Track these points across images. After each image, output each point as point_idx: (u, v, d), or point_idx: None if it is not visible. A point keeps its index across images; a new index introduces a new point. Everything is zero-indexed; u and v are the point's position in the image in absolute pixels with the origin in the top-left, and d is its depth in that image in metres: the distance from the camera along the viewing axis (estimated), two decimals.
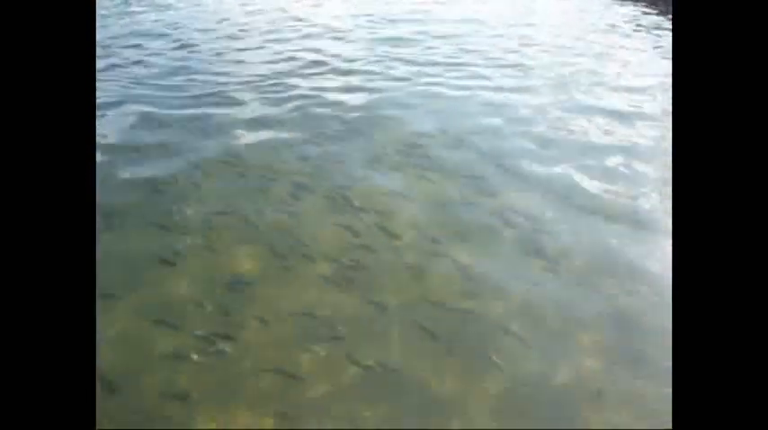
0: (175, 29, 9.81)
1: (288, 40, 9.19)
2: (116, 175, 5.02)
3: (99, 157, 5.26)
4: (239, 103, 6.64)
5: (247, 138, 5.74)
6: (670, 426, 2.85)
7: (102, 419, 2.79)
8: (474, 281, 3.78)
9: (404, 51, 8.63)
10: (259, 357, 3.17)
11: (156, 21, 10.38)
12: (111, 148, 5.49)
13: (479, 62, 8.24)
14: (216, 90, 7.01)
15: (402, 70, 7.83)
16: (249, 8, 11.27)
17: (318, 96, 6.88)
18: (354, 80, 7.46)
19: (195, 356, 3.15)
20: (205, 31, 9.78)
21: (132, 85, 7.21)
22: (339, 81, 7.44)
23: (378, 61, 8.20)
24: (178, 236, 4.15)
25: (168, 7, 11.31)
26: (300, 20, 10.56)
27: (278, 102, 6.65)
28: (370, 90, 7.11)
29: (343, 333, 3.34)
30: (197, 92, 6.94)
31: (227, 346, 3.22)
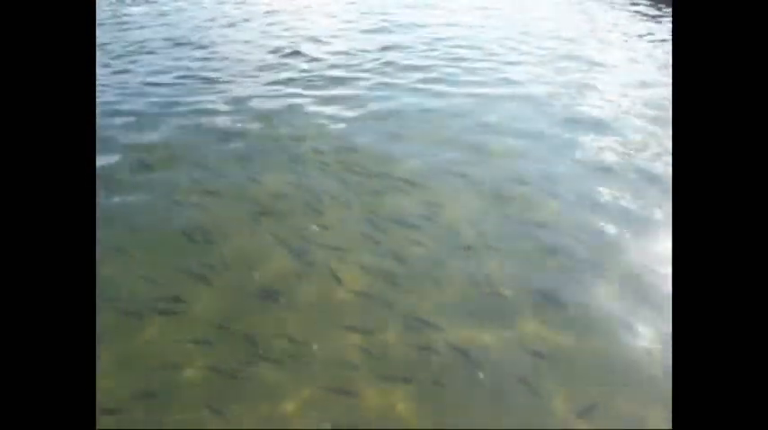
0: (168, 29, 9.79)
1: (282, 41, 9.17)
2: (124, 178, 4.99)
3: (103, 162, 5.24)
4: (241, 109, 6.57)
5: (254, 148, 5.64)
6: (670, 426, 2.87)
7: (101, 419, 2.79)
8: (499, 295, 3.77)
9: (399, 55, 8.58)
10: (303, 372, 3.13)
11: (149, 18, 10.40)
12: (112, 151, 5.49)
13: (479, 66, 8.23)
14: (212, 98, 6.92)
15: (398, 75, 7.78)
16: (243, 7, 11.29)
17: (318, 99, 6.82)
18: (355, 82, 7.43)
19: (236, 373, 3.11)
20: (197, 28, 9.79)
21: (127, 87, 7.18)
22: (340, 88, 7.41)
23: (372, 65, 8.17)
24: (204, 246, 4.08)
25: (162, 5, 11.33)
26: (294, 19, 10.56)
27: (286, 108, 6.54)
28: (371, 92, 7.08)
29: (381, 346, 3.30)
30: (190, 99, 6.83)
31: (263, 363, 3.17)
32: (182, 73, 7.66)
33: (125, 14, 10.73)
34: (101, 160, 5.21)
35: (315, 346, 3.25)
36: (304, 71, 7.81)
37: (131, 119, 6.20)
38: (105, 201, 4.58)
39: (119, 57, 8.32)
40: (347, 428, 2.82)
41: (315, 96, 6.88)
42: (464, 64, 8.10)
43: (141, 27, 9.88)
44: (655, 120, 6.29)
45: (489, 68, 7.92)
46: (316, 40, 9.23)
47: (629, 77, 7.69)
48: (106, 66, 7.89)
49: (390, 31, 9.80)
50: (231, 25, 10.08)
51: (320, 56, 8.35)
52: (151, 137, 5.77)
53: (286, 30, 9.89)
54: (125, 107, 6.51)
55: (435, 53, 8.60)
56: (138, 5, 11.36)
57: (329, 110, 6.45)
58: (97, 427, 2.69)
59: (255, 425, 2.82)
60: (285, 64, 8.09)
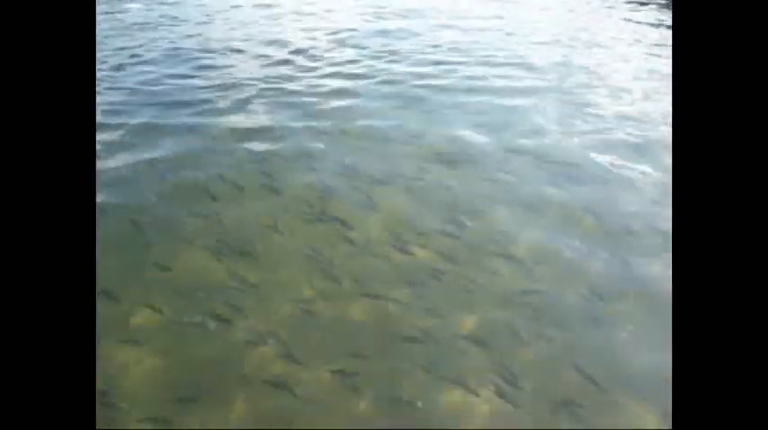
0: (163, 28, 9.74)
1: (280, 41, 9.12)
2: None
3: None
4: (243, 112, 6.45)
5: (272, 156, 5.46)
6: (670, 426, 2.87)
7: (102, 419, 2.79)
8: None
9: (398, 55, 8.50)
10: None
11: (146, 15, 10.37)
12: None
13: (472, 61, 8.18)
14: (214, 96, 6.84)
15: (397, 72, 7.71)
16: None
17: (318, 102, 6.74)
18: (354, 82, 7.38)
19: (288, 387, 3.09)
20: (197, 23, 9.73)
21: (119, 90, 7.07)
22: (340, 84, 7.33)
23: (374, 61, 8.11)
24: (235, 260, 4.00)
25: (161, 2, 11.31)
26: (292, 16, 10.53)
27: (289, 116, 6.40)
28: (370, 93, 7.03)
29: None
30: (190, 103, 6.69)
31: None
32: (177, 77, 7.50)
33: (119, 12, 10.68)
34: (104, 165, 5.11)
35: (368, 359, 3.23)
36: (302, 69, 7.71)
37: (124, 130, 5.98)
38: (118, 212, 4.46)
39: (112, 56, 8.26)
40: (349, 428, 2.82)
41: (317, 102, 6.75)
42: (462, 68, 8.02)
43: (137, 24, 9.84)
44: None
45: (493, 73, 7.85)
46: (314, 44, 9.12)
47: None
48: (99, 69, 7.84)
49: (390, 32, 9.75)
50: (228, 25, 10.03)
51: (317, 64, 8.14)
52: (153, 145, 5.61)
53: (283, 28, 9.85)
54: (115, 119, 6.30)
55: (437, 50, 8.55)
56: (135, 2, 11.33)
57: (335, 119, 6.28)
58: (97, 427, 2.69)
59: None
60: (284, 67, 7.97)
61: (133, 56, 8.30)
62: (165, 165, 5.21)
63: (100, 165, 5.11)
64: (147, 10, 10.84)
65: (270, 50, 8.66)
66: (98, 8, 10.75)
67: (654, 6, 11.88)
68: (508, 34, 9.77)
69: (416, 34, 9.65)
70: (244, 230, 4.32)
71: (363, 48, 8.88)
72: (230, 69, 7.86)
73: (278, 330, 3.40)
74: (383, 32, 9.73)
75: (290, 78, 7.53)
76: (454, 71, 7.89)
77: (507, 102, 6.87)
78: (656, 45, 9.33)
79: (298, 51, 8.63)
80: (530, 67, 8.09)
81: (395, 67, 8.02)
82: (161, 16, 10.42)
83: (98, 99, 6.66)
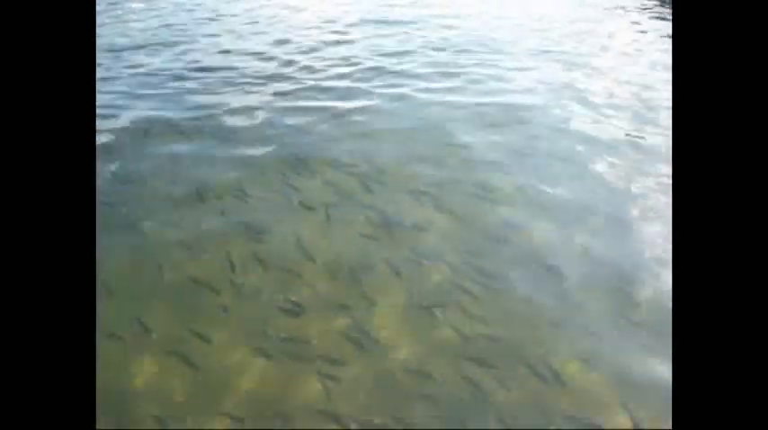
0: (164, 25, 9.73)
1: (279, 45, 9.06)
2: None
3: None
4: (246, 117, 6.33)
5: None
6: (670, 426, 2.87)
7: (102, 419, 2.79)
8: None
9: (399, 58, 8.45)
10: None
11: (144, 15, 10.38)
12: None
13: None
14: (214, 112, 6.59)
15: (394, 80, 7.59)
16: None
17: (325, 106, 6.66)
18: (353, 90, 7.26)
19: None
20: (198, 22, 9.74)
21: (117, 94, 7.00)
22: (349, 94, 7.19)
23: (372, 69, 8.04)
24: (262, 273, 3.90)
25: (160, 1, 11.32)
26: (293, 13, 10.51)
27: (292, 127, 6.21)
28: (368, 102, 6.89)
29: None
30: (187, 114, 6.50)
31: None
32: (175, 84, 7.35)
33: (120, 11, 10.67)
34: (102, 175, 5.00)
35: (434, 376, 3.19)
36: (300, 87, 7.50)
37: (125, 131, 5.89)
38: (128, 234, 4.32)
39: (112, 56, 8.22)
40: (347, 428, 2.82)
41: (319, 109, 6.62)
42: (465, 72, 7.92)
43: (136, 24, 9.82)
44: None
45: (494, 76, 7.76)
46: (315, 44, 9.05)
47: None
48: (105, 64, 7.83)
49: (389, 34, 9.71)
50: (227, 28, 9.99)
51: (319, 65, 8.02)
52: (150, 154, 5.49)
53: (286, 27, 9.82)
54: (115, 119, 6.20)
55: (437, 59, 8.46)
56: (136, 2, 11.32)
57: (338, 127, 6.13)
58: (97, 427, 2.70)
59: None
60: (284, 73, 7.83)
61: (132, 56, 8.28)
62: (175, 171, 5.14)
63: (101, 167, 5.10)
64: (147, 9, 10.84)
65: (273, 51, 8.63)
66: (98, 8, 10.75)
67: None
68: (508, 42, 9.68)
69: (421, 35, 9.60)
70: (280, 246, 4.21)
71: (368, 46, 8.81)
72: (232, 71, 7.82)
73: (330, 352, 3.36)
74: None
75: (294, 80, 7.49)
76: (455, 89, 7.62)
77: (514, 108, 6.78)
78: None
79: (299, 52, 8.60)
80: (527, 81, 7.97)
81: (397, 71, 7.98)
82: (161, 16, 10.41)
83: (98, 100, 6.65)
